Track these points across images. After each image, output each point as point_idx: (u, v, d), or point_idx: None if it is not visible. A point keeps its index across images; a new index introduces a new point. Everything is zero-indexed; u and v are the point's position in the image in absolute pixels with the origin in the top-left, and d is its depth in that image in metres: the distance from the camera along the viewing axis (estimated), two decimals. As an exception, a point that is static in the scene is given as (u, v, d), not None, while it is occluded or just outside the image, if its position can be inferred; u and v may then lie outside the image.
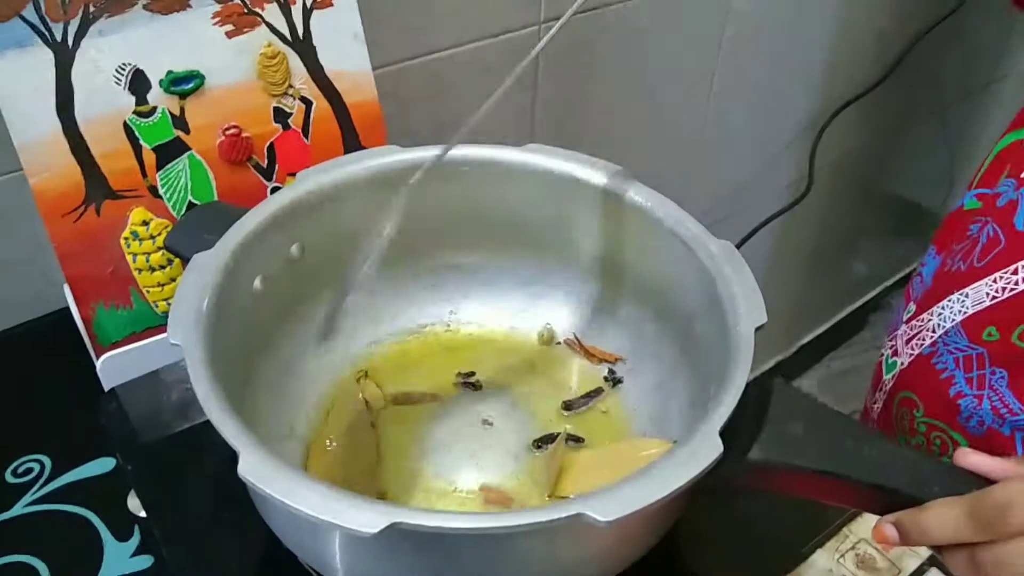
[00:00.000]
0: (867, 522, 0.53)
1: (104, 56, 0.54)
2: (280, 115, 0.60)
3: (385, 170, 0.54)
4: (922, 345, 0.62)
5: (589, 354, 0.59)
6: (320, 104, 0.61)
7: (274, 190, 0.62)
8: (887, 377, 0.67)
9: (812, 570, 0.51)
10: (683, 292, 0.51)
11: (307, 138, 0.62)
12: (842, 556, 0.52)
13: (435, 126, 0.82)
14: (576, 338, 0.60)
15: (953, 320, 0.59)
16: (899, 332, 0.66)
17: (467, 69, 0.81)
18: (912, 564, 0.51)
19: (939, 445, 0.62)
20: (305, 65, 0.60)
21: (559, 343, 0.60)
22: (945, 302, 0.60)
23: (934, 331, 0.61)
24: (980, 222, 0.61)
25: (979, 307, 0.58)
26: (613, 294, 0.58)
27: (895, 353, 0.66)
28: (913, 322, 0.64)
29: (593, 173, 0.55)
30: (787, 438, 0.41)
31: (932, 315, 0.62)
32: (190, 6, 0.56)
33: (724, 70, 1.06)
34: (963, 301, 0.59)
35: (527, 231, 0.58)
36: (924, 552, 0.52)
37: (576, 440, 0.54)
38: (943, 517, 0.38)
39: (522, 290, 0.61)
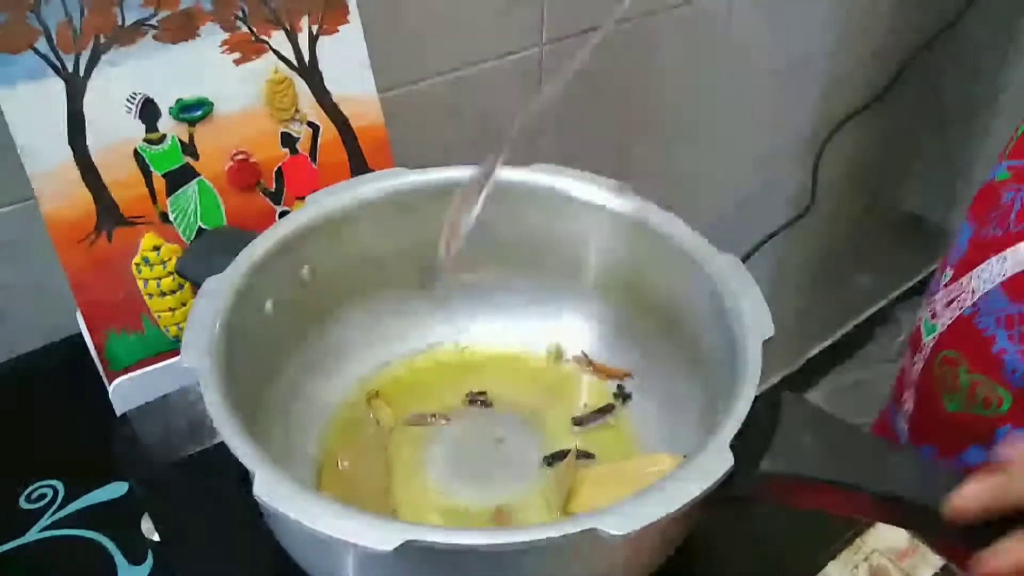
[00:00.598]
0: (880, 533, 0.53)
1: (115, 86, 0.55)
2: (288, 140, 0.61)
3: (393, 191, 0.55)
4: (962, 307, 0.64)
5: (598, 370, 0.59)
6: (327, 129, 0.62)
7: (283, 214, 0.62)
8: (927, 339, 0.69)
9: (825, 582, 0.51)
10: (690, 307, 0.52)
11: (315, 162, 0.62)
12: (855, 568, 0.52)
13: (441, 149, 0.83)
14: (585, 355, 0.60)
15: (992, 282, 0.61)
16: (937, 296, 0.69)
17: (472, 91, 0.82)
18: (925, 574, 0.51)
19: (983, 399, 0.63)
20: (312, 91, 0.61)
21: (568, 360, 0.60)
22: (984, 265, 0.63)
23: (973, 293, 0.63)
24: (1013, 190, 0.63)
25: (1019, 269, 0.59)
26: (620, 310, 0.58)
27: (934, 316, 0.68)
28: (951, 286, 0.66)
29: (598, 191, 0.55)
30: (797, 449, 0.41)
31: (971, 279, 0.64)
32: (199, 35, 0.56)
33: (725, 87, 1.07)
34: (1002, 264, 0.61)
35: (534, 249, 0.58)
36: (938, 561, 0.52)
37: (587, 456, 0.54)
38: None
39: (530, 308, 0.61)
